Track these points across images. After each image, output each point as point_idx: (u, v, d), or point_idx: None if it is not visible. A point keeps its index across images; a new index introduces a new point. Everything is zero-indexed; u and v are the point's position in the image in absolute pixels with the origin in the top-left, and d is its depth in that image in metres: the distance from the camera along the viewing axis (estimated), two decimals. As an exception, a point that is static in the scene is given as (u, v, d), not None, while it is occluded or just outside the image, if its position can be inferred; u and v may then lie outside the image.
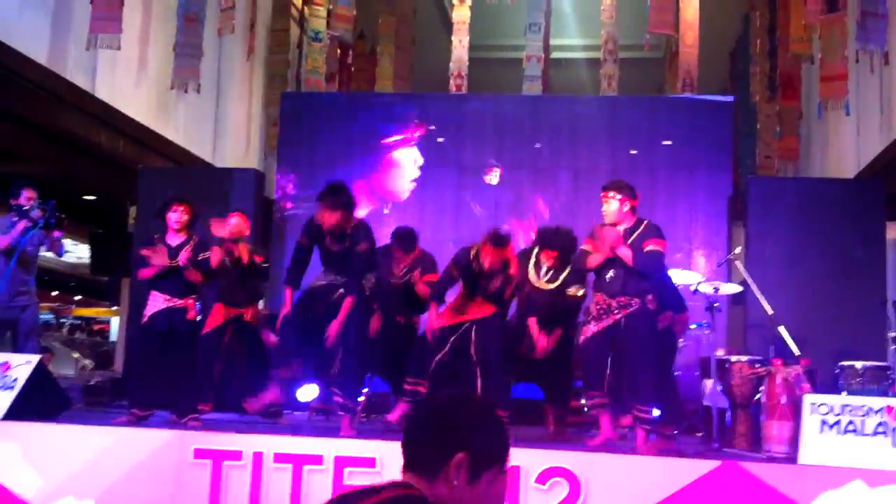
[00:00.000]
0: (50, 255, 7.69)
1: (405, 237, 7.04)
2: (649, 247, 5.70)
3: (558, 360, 6.35)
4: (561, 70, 14.46)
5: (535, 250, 6.52)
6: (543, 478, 4.94)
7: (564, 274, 6.35)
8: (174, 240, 6.65)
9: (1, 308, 6.96)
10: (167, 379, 6.40)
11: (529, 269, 6.48)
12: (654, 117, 9.96)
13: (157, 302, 6.53)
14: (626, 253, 5.67)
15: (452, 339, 6.13)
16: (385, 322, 6.51)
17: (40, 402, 5.95)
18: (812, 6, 9.21)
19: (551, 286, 6.38)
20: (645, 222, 5.92)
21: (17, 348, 7.01)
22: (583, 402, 6.24)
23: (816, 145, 11.74)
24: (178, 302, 6.52)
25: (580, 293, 6.13)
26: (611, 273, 5.76)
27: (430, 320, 6.21)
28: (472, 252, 6.19)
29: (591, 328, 5.78)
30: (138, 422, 6.28)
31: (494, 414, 2.08)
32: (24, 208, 7.11)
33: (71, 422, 5.94)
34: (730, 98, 10.88)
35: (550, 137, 10.01)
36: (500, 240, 6.11)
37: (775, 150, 11.58)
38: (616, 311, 5.69)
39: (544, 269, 6.44)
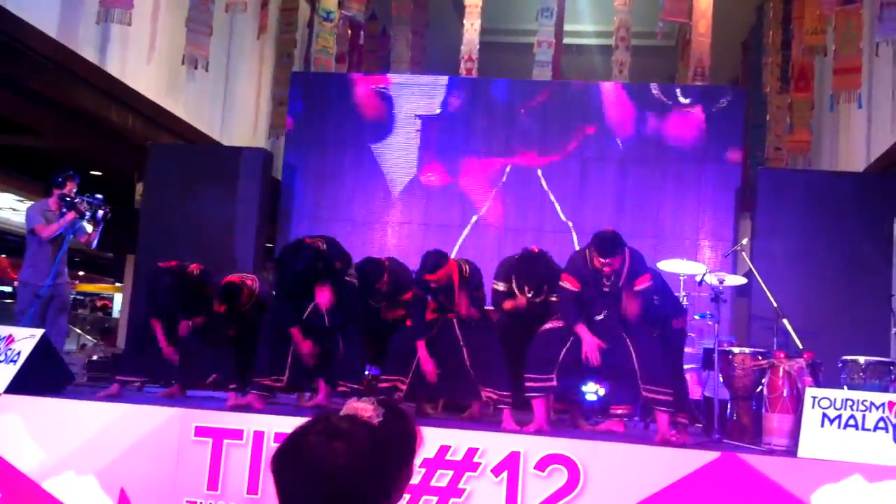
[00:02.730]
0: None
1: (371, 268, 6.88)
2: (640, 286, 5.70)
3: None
4: (572, 56, 14.40)
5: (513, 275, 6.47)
6: (542, 464, 4.94)
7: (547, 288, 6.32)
8: None
9: (45, 287, 7.13)
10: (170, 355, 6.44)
11: (512, 285, 6.43)
12: (665, 106, 9.92)
13: None
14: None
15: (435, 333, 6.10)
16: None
17: (43, 376, 5.97)
18: (828, -3, 9.15)
19: (536, 300, 6.36)
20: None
21: (47, 323, 7.15)
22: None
23: (827, 138, 11.69)
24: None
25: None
26: (601, 315, 5.74)
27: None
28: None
29: (556, 323, 5.82)
30: (121, 389, 6.36)
31: (388, 437, 1.74)
32: (73, 200, 7.26)
33: (73, 397, 5.96)
34: (741, 88, 10.83)
35: (560, 123, 9.97)
36: (430, 267, 6.00)
37: (786, 142, 11.53)
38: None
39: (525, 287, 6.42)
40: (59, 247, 7.28)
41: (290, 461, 1.70)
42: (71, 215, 7.28)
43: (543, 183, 9.79)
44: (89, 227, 7.47)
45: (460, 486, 4.97)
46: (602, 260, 5.59)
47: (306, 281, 6.15)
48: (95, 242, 7.64)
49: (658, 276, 6.18)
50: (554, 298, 6.16)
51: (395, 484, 1.73)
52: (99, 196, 7.40)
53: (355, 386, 6.15)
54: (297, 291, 6.21)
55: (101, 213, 7.33)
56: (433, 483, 4.96)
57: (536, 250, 6.51)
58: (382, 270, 6.70)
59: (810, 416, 5.04)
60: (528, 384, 5.73)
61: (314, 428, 1.71)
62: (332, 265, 6.19)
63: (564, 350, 5.69)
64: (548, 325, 5.84)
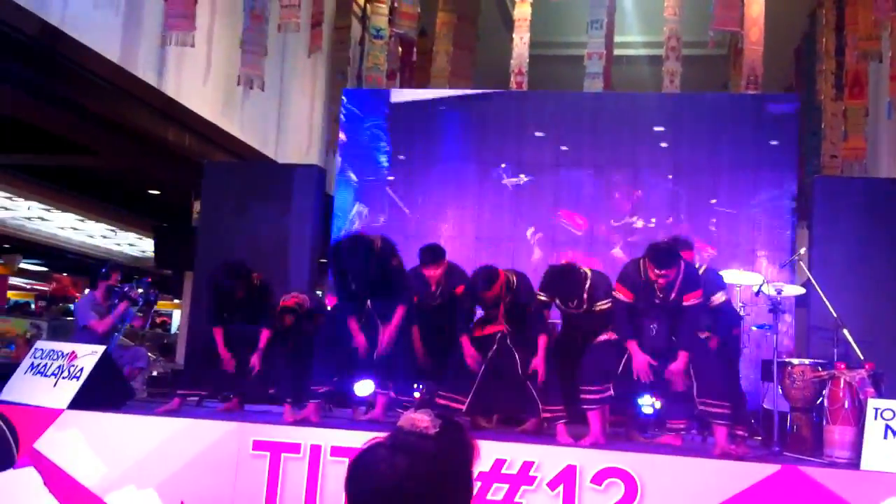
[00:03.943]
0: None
1: (429, 251, 6.87)
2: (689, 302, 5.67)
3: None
4: (622, 67, 14.34)
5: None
6: (599, 478, 4.92)
7: (586, 296, 6.27)
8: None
9: None
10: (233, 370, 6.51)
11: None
12: (718, 115, 9.82)
13: None
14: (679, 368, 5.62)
15: (492, 349, 6.09)
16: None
17: (105, 391, 6.09)
18: (882, 2, 9.01)
19: (580, 310, 6.33)
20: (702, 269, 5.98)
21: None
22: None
23: (883, 145, 11.49)
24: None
25: (607, 305, 6.09)
26: (654, 326, 5.72)
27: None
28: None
29: (612, 335, 5.80)
30: (181, 404, 6.40)
31: (455, 466, 1.78)
32: (124, 290, 7.50)
33: (134, 412, 6.07)
34: (795, 96, 10.70)
35: (611, 135, 9.93)
36: (483, 285, 6.06)
37: (841, 149, 11.35)
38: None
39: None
40: (111, 336, 7.52)
41: (358, 475, 1.73)
42: (124, 305, 7.56)
43: (594, 192, 9.74)
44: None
45: (516, 499, 4.97)
46: (657, 271, 5.57)
47: (361, 276, 6.16)
48: (148, 323, 7.88)
49: (720, 281, 6.17)
50: (599, 307, 6.14)
51: (458, 497, 1.75)
52: (147, 279, 7.64)
53: (406, 397, 6.21)
54: (351, 290, 6.26)
55: (152, 295, 7.57)
56: (489, 497, 4.96)
57: (563, 263, 6.52)
58: (444, 255, 6.71)
59: (873, 427, 4.95)
60: (583, 396, 5.70)
61: (384, 442, 1.75)
62: (388, 262, 6.20)
63: (621, 363, 5.67)
64: (603, 337, 5.82)
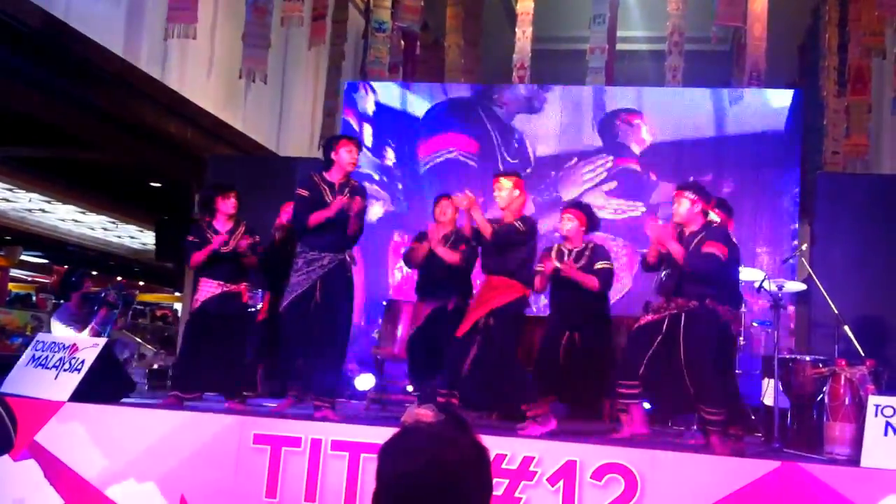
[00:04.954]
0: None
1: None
2: (707, 249, 5.60)
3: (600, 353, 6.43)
4: (625, 62, 14.31)
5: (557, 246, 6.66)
6: (599, 473, 4.92)
7: (588, 253, 6.47)
8: (223, 226, 6.72)
9: None
10: (215, 363, 6.49)
11: (552, 258, 6.51)
12: (720, 111, 9.80)
13: (210, 287, 6.60)
14: (675, 249, 5.62)
15: (478, 338, 5.98)
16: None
17: (106, 384, 6.08)
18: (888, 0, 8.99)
19: (577, 265, 6.43)
20: (712, 225, 5.86)
21: None
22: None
23: (886, 141, 11.47)
24: (232, 287, 6.60)
25: (607, 265, 6.38)
26: (665, 272, 5.76)
27: None
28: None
29: (647, 317, 5.79)
30: (181, 404, 6.35)
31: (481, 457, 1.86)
32: (101, 295, 7.47)
33: (135, 405, 6.07)
34: (798, 92, 10.68)
35: (614, 126, 9.92)
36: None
37: (843, 146, 11.32)
38: (674, 308, 5.63)
39: (566, 253, 6.53)
40: None
41: (399, 455, 1.77)
42: (104, 311, 7.53)
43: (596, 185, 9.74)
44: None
45: (516, 494, 4.96)
46: (676, 190, 5.82)
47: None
48: (129, 323, 7.87)
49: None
50: (600, 266, 6.36)
51: (481, 485, 1.80)
52: (120, 280, 7.67)
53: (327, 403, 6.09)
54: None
55: (130, 297, 7.55)
56: (489, 491, 4.95)
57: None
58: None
59: (873, 424, 4.95)
60: (621, 391, 5.75)
61: (423, 429, 1.80)
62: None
63: (651, 351, 5.68)
64: (641, 322, 5.85)
